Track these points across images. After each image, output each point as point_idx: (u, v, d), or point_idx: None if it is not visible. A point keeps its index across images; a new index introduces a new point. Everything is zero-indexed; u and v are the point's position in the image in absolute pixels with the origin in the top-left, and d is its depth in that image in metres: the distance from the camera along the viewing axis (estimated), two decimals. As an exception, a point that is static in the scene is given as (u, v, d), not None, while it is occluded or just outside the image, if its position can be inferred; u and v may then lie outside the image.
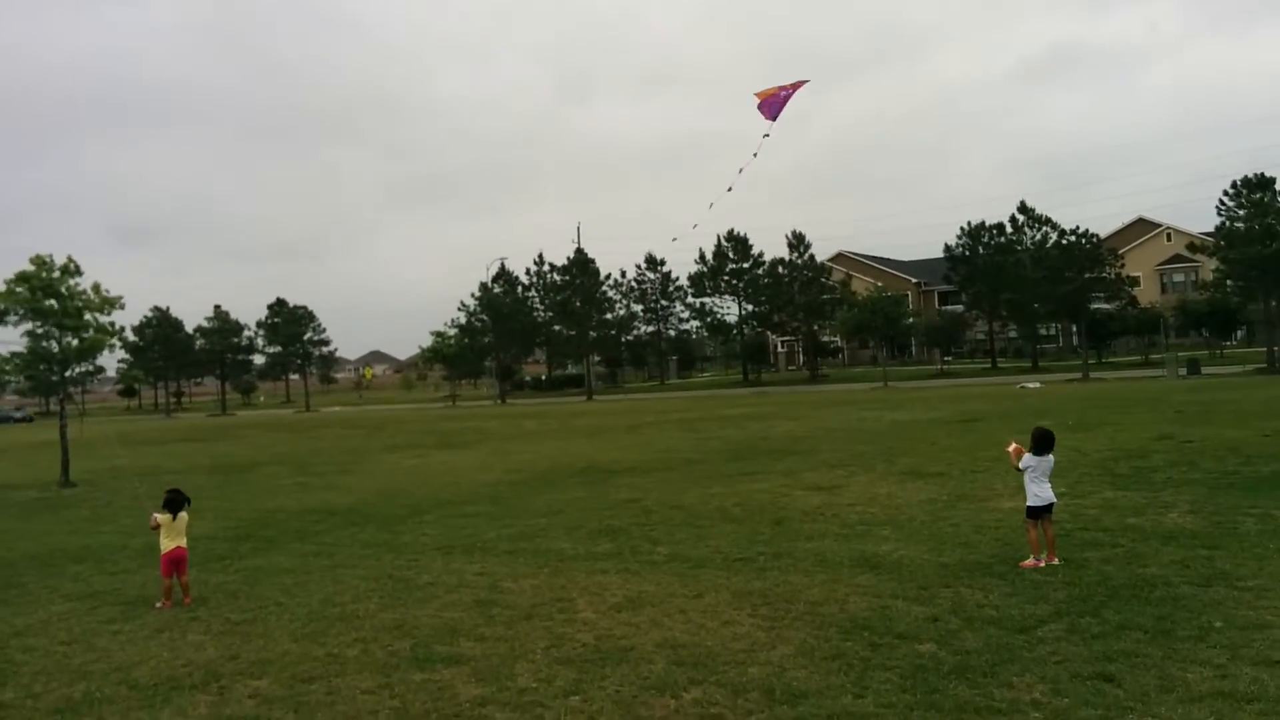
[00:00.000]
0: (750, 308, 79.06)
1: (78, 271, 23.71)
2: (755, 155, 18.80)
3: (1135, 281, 68.14)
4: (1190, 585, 7.62)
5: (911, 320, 73.11)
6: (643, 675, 6.25)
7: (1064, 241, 60.89)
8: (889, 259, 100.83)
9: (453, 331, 79.06)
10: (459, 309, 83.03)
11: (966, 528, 10.63)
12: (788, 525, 11.51)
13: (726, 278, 78.68)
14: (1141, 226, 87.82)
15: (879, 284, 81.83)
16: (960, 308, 78.43)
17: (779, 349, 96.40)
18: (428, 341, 79.88)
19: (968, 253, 69.18)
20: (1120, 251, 69.92)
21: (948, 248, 70.94)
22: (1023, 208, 65.21)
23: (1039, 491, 8.69)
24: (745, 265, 78.30)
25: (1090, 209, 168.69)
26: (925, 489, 13.77)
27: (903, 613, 7.34)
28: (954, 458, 17.16)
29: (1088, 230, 61.51)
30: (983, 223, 68.74)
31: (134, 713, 6.12)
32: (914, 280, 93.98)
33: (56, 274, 23.30)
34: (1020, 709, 5.27)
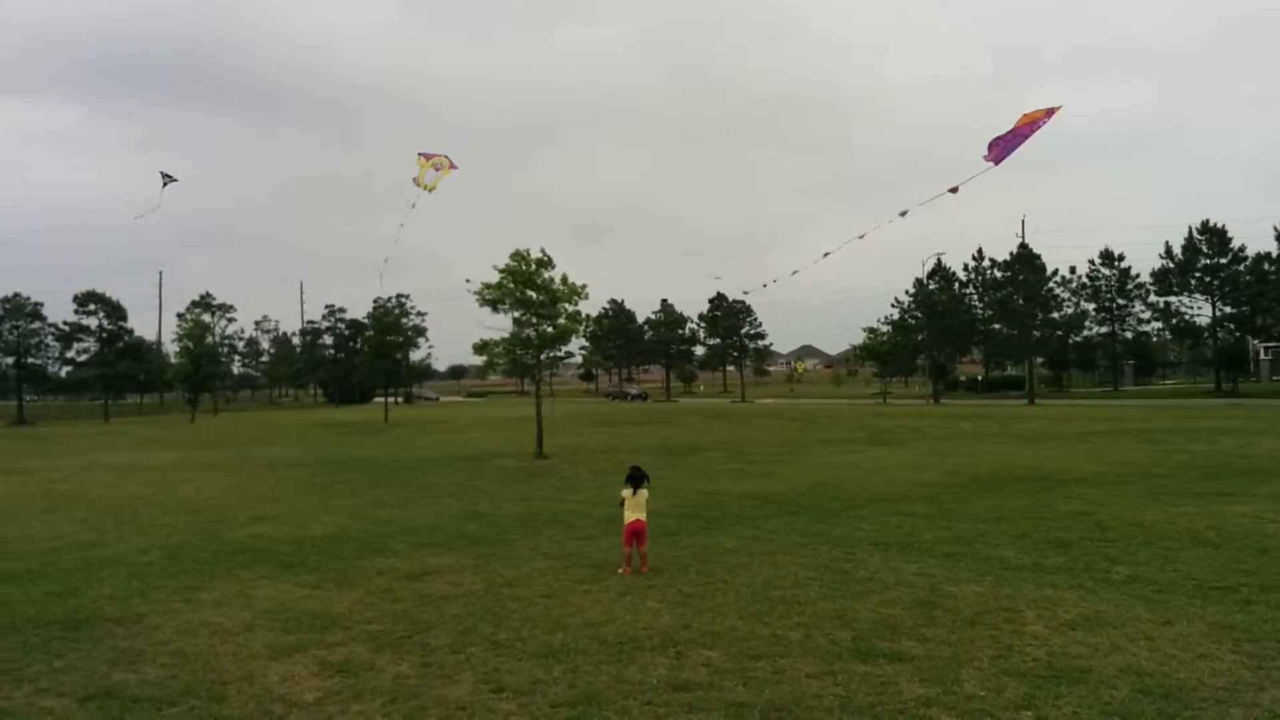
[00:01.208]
0: (1226, 309, 69.97)
1: (550, 264, 26.61)
2: (955, 189, 16.36)
3: None
4: None
5: None
6: (1104, 700, 5.81)
7: None
8: None
9: (885, 328, 78.33)
10: (893, 305, 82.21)
11: None
12: (1276, 556, 10.07)
13: (1198, 274, 70.28)
14: None
15: (1401, 281, 68.43)
16: None
17: (1262, 356, 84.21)
18: (859, 337, 79.84)
19: None
20: None
21: None
22: None
23: None
24: (1222, 261, 69.39)
25: None
26: None
27: None
28: None
29: None
30: None
31: (604, 666, 6.79)
32: None
33: (533, 267, 26.33)
34: None
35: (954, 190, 17.46)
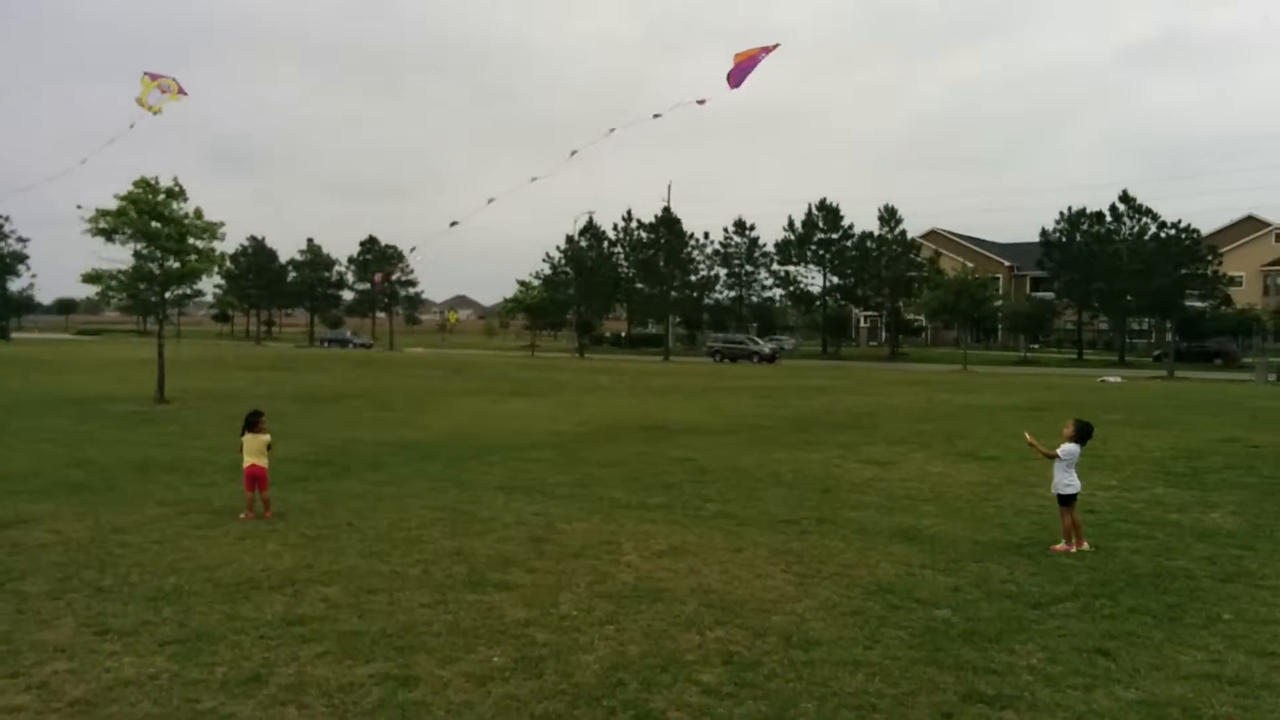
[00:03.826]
0: (835, 279, 78.58)
1: (182, 195, 24.76)
2: (657, 116, 18.10)
3: (1235, 281, 66.02)
4: (1211, 580, 7.85)
5: (999, 304, 71.77)
6: (674, 614, 6.77)
7: (1162, 235, 59.24)
8: (983, 240, 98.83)
9: (537, 282, 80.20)
10: (544, 260, 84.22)
11: (1009, 510, 10.91)
12: (835, 494, 11.90)
13: (814, 247, 78.23)
14: (1249, 225, 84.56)
15: (970, 264, 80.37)
16: (1051, 295, 76.80)
17: (862, 324, 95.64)
18: (513, 290, 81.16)
19: (1064, 239, 67.64)
20: (1223, 249, 67.74)
21: (1044, 232, 69.50)
22: (1124, 197, 63.61)
23: (1072, 480, 8.92)
24: (834, 236, 77.72)
25: (1194, 202, 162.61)
26: (978, 471, 14.01)
27: (927, 581, 7.73)
28: (1013, 443, 17.19)
29: (1189, 225, 59.88)
30: (1083, 209, 66.98)
31: (218, 605, 6.85)
32: (1007, 263, 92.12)
33: (162, 197, 24.40)
34: (1015, 671, 5.67)
35: (657, 115, 18.32)
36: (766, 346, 64.27)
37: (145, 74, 21.14)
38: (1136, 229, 62.05)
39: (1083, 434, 9.08)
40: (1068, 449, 8.96)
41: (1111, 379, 43.08)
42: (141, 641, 6.06)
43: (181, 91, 21.25)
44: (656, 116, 18.14)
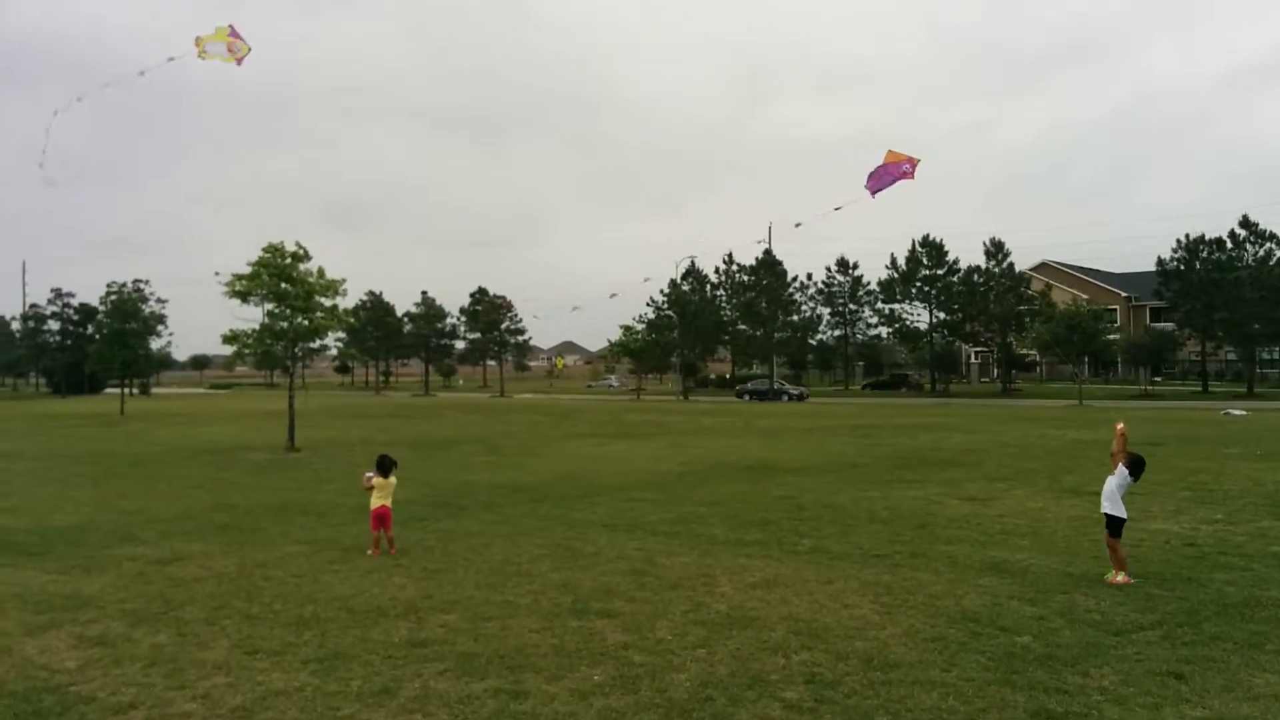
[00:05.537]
0: (942, 315, 77.51)
1: (307, 257, 26.50)
2: (837, 208, 18.71)
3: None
4: (1300, 609, 7.93)
5: (1115, 336, 69.64)
6: (762, 639, 7.25)
7: (1287, 260, 56.88)
8: (1096, 270, 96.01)
9: (640, 327, 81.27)
10: (648, 304, 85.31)
11: (1106, 544, 10.97)
12: (930, 530, 12.15)
13: (919, 284, 77.39)
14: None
15: (1084, 296, 78.21)
16: (1171, 325, 74.16)
17: (972, 360, 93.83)
18: (617, 334, 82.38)
19: (1183, 267, 65.46)
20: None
21: (1160, 261, 67.39)
22: (1245, 222, 61.31)
23: (1121, 506, 9.17)
24: (939, 272, 76.80)
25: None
26: (1079, 506, 14.02)
27: (1012, 610, 8.01)
28: (1120, 479, 17.09)
29: (1316, 249, 57.22)
30: (1202, 236, 64.78)
31: (351, 630, 7.61)
32: (1123, 294, 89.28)
33: (288, 260, 26.14)
34: (1086, 692, 5.98)
35: (838, 209, 19.27)
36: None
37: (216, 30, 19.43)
38: (1260, 254, 59.78)
39: (1135, 466, 9.33)
40: (1123, 471, 9.21)
41: (1236, 412, 41.52)
42: (287, 660, 6.84)
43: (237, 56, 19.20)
44: (837, 209, 18.96)
